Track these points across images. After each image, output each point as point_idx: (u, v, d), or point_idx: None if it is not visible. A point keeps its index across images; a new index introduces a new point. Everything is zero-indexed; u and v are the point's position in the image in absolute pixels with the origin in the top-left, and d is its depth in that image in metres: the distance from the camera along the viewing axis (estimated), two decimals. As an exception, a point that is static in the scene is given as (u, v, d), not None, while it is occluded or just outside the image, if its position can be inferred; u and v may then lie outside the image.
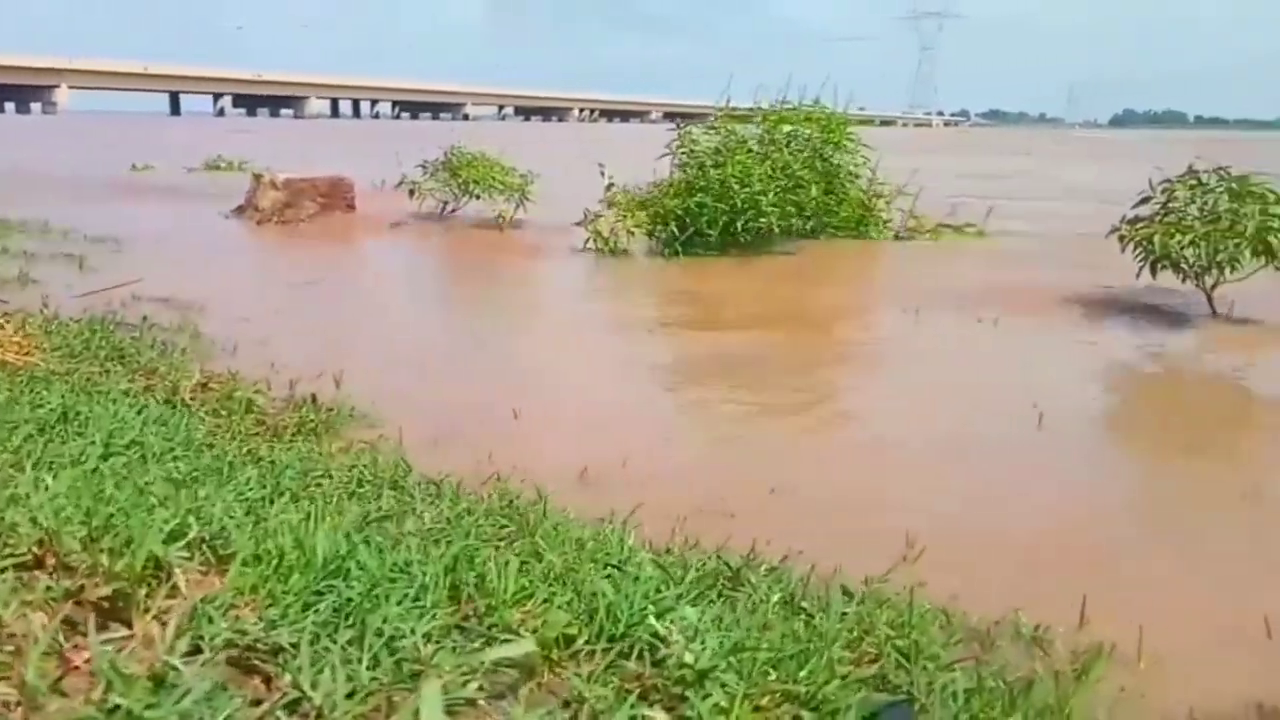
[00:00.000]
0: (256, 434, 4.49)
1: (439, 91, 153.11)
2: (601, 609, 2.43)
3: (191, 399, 4.76)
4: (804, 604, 2.95)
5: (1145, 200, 8.86)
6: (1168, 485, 5.20)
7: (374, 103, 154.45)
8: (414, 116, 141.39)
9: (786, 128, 13.46)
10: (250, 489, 3.22)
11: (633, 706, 1.95)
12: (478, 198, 15.19)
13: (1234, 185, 8.54)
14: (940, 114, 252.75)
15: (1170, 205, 8.69)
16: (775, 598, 2.97)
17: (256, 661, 1.96)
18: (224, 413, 4.68)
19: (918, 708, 2.29)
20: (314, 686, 1.85)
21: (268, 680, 1.96)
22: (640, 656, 2.27)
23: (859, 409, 6.53)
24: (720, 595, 2.98)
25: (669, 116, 17.80)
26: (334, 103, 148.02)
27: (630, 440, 5.13)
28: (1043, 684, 2.51)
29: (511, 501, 3.91)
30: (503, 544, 3.20)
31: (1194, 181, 8.76)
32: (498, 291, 10.51)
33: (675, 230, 12.66)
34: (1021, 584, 3.44)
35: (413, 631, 2.16)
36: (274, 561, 2.33)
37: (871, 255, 13.09)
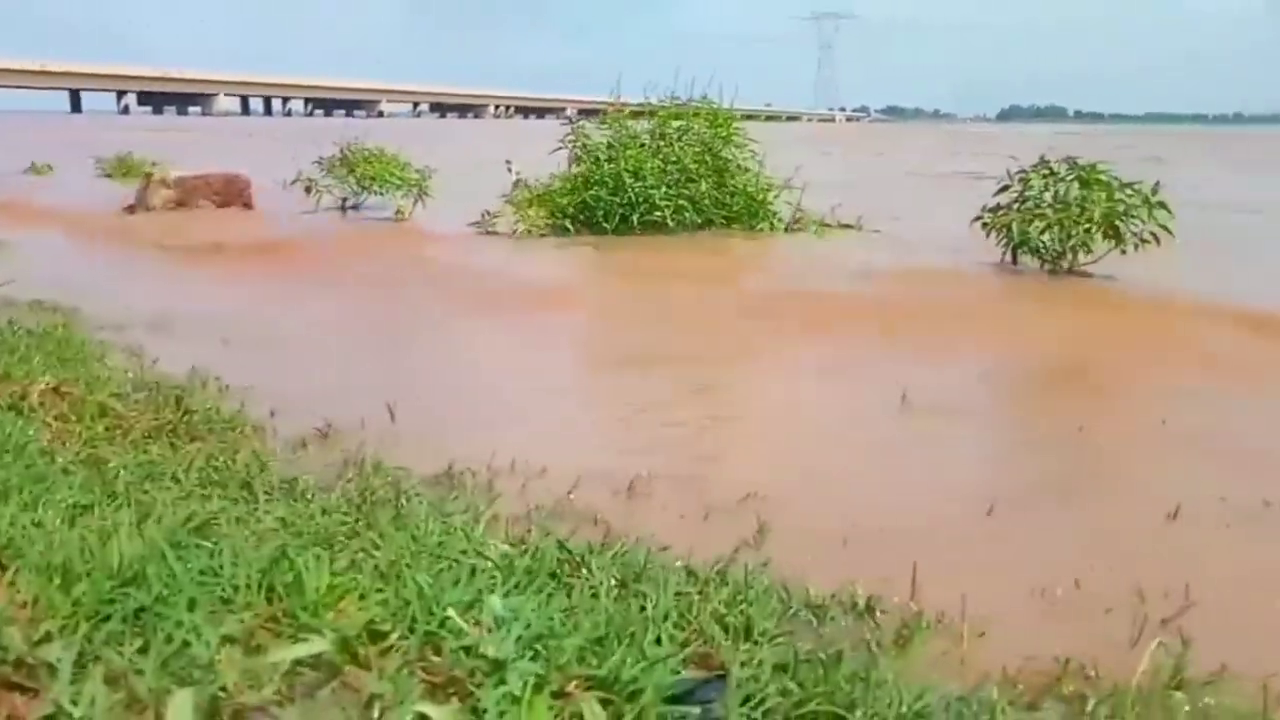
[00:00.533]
0: (107, 439, 4.35)
1: (352, 89, 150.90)
2: (415, 604, 2.40)
3: (40, 404, 4.60)
4: (641, 587, 2.94)
5: (1004, 189, 9.24)
6: (1009, 457, 5.38)
7: (285, 100, 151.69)
8: (327, 114, 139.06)
9: (677, 122, 13.54)
10: (74, 495, 3.12)
11: (419, 701, 1.92)
12: (379, 194, 15.01)
13: (1083, 173, 8.99)
14: (843, 110, 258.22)
15: (1026, 194, 9.10)
16: (611, 582, 2.97)
17: (18, 680, 1.90)
18: (73, 418, 4.53)
19: (735, 683, 2.29)
20: (74, 702, 1.79)
21: (37, 693, 1.90)
22: (454, 651, 2.24)
23: (727, 384, 6.63)
24: (559, 583, 2.96)
25: (584, 113, 17.96)
26: (244, 100, 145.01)
27: (512, 433, 5.09)
28: (855, 653, 2.54)
29: (365, 498, 3.85)
30: (341, 542, 3.14)
31: (1046, 171, 9.17)
32: (385, 288, 10.35)
33: (570, 226, 12.75)
34: (863, 559, 3.48)
35: (202, 636, 2.10)
36: (59, 572, 2.26)
37: (759, 244, 13.20)
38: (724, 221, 13.23)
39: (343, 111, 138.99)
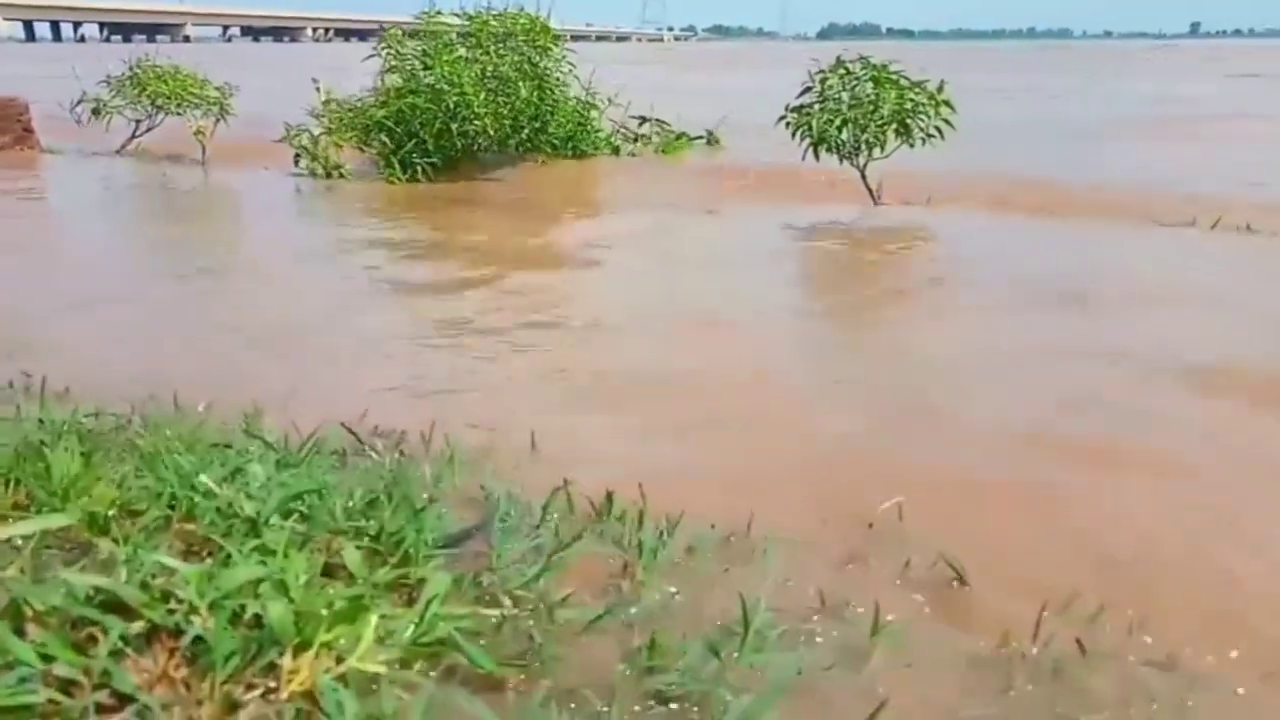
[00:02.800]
0: None
1: (152, 11, 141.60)
2: (173, 480, 2.33)
3: None
4: (423, 465, 2.93)
5: (807, 90, 9.47)
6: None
7: (77, 25, 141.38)
8: (126, 39, 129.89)
9: (493, 26, 13.19)
10: None
11: (154, 567, 1.86)
12: (176, 114, 14.16)
13: (876, 73, 9.31)
14: (670, 29, 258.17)
15: (826, 94, 9.37)
16: (394, 458, 2.95)
17: None
18: None
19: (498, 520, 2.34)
20: None
21: None
22: (213, 523, 2.19)
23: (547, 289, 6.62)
24: (340, 461, 2.92)
25: (411, 36, 17.15)
26: (28, 25, 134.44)
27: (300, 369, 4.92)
28: (619, 500, 2.59)
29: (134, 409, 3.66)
30: (105, 440, 2.99)
31: (843, 70, 9.43)
32: (166, 216, 9.82)
33: (387, 141, 12.27)
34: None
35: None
36: None
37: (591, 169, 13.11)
38: (550, 148, 12.99)
39: (144, 37, 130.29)
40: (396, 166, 11.97)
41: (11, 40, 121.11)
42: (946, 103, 9.06)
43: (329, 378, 4.37)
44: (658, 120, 14.13)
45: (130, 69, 13.94)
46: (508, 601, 2.13)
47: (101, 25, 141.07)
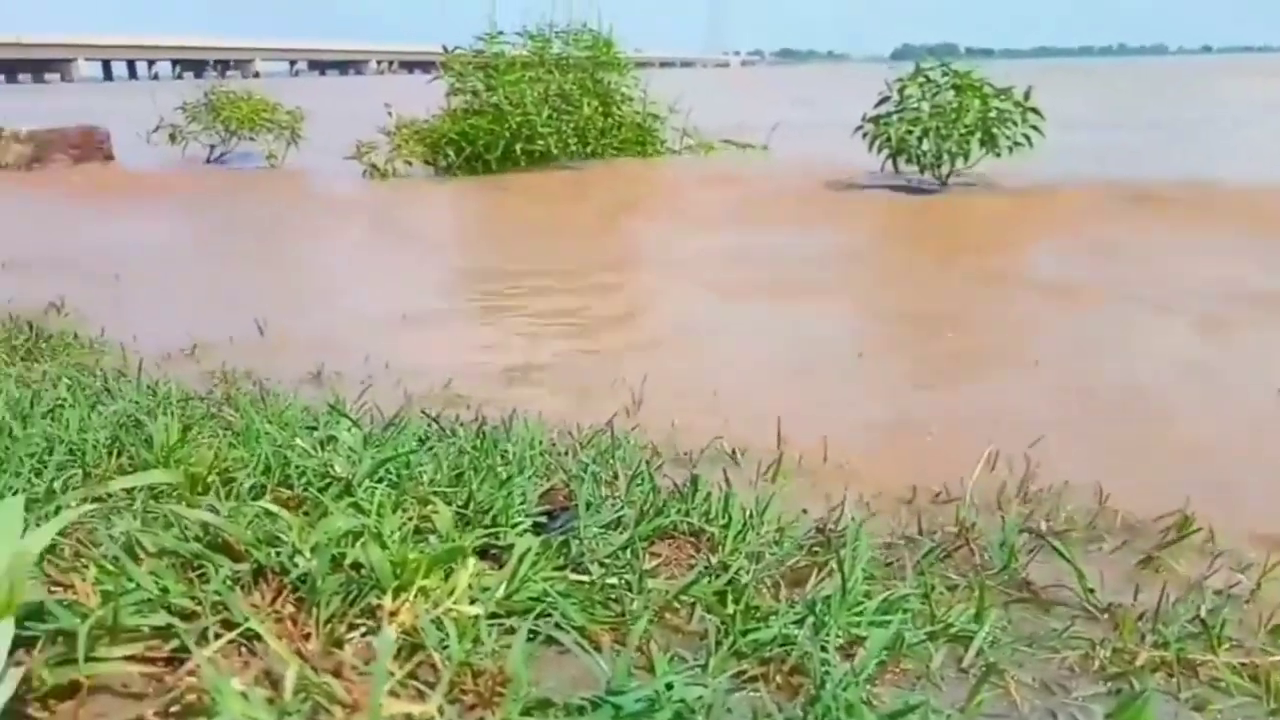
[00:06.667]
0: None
1: (223, 48, 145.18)
2: (266, 450, 2.37)
3: None
4: (507, 445, 2.94)
5: (885, 100, 9.40)
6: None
7: (151, 63, 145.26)
8: (198, 75, 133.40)
9: (556, 49, 13.37)
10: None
11: (259, 513, 1.89)
12: (249, 139, 14.54)
13: (958, 80, 9.20)
14: (737, 54, 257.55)
15: (904, 103, 9.28)
16: (476, 440, 2.97)
17: None
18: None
19: (585, 505, 2.33)
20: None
21: None
22: (308, 485, 2.22)
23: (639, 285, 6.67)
24: (423, 445, 2.94)
25: (479, 68, 17.20)
26: (106, 65, 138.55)
27: (382, 341, 5.03)
28: (705, 481, 2.58)
29: (229, 395, 3.77)
30: (199, 420, 3.06)
31: (923, 79, 9.35)
32: (265, 223, 10.08)
33: (452, 154, 12.46)
34: (739, 417, 3.55)
35: (43, 476, 2.05)
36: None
37: (650, 166, 13.20)
38: (614, 151, 13.14)
39: (215, 73, 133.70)
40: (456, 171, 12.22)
41: (91, 79, 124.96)
42: (1035, 109, 8.91)
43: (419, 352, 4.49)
44: (695, 136, 14.22)
45: (206, 95, 14.36)
46: (596, 568, 2.13)
47: (174, 63, 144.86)
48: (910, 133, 9.16)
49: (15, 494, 2.04)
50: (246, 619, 1.44)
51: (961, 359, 4.83)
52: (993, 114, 9.08)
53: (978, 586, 2.10)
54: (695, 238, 7.88)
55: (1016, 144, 9.05)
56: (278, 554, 1.65)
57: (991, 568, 2.34)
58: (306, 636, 1.51)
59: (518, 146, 12.28)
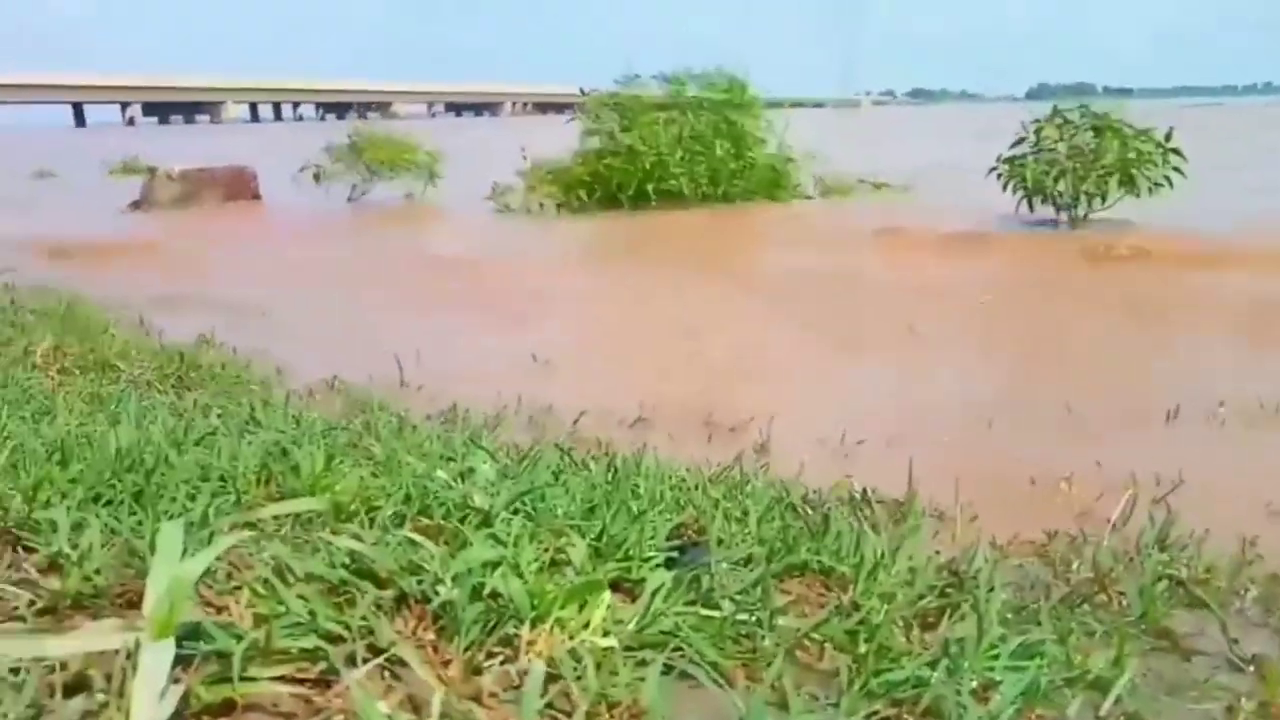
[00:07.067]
0: (111, 383, 4.43)
1: (364, 91, 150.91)
2: (408, 480, 2.45)
3: (43, 361, 4.68)
4: (638, 480, 2.97)
5: (1020, 141, 9.25)
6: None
7: (296, 105, 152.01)
8: (340, 117, 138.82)
9: (690, 92, 13.50)
10: (76, 419, 3.17)
11: (403, 541, 1.95)
12: (389, 178, 15.07)
13: (1097, 121, 8.99)
14: (868, 94, 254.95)
15: (1041, 144, 9.11)
16: (608, 475, 3.00)
17: (20, 533, 1.95)
18: (76, 372, 4.61)
19: (716, 541, 2.34)
20: (74, 546, 1.84)
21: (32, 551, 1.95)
22: (448, 515, 2.28)
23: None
24: (556, 479, 3.00)
25: (612, 108, 17.72)
26: (253, 107, 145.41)
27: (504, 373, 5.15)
28: (841, 520, 2.56)
29: (369, 426, 3.90)
30: (342, 449, 3.18)
31: (1060, 120, 9.17)
32: (403, 261, 10.42)
33: (585, 196, 12.70)
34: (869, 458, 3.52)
35: (197, 501, 2.16)
36: (56, 454, 2.32)
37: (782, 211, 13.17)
38: (746, 195, 13.16)
39: (356, 115, 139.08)
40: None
41: (239, 120, 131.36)
42: (1176, 150, 8.66)
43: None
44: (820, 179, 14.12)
45: (349, 137, 14.98)
46: (727, 604, 2.13)
47: (317, 105, 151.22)
48: (1046, 173, 8.97)
49: (172, 519, 2.16)
50: (392, 644, 1.48)
51: (1098, 407, 4.69)
52: (1132, 155, 8.83)
53: (1117, 633, 2.02)
54: (827, 281, 7.84)
55: (1156, 185, 8.76)
56: (419, 582, 1.70)
57: (1130, 615, 2.26)
58: (446, 663, 1.55)
59: (649, 187, 12.44)
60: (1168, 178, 8.71)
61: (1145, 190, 8.84)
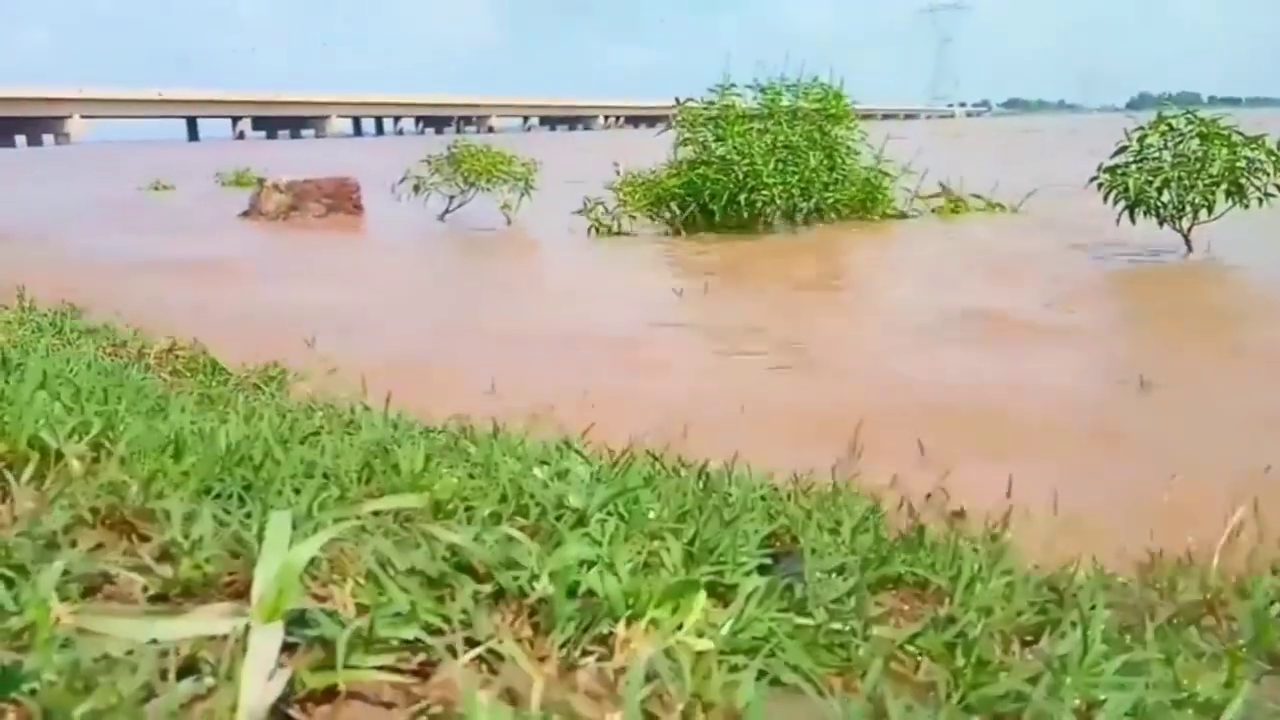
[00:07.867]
0: (221, 383, 4.58)
1: (461, 105, 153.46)
2: (504, 481, 2.48)
3: (156, 362, 4.87)
4: (730, 487, 2.97)
5: (1122, 149, 8.94)
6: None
7: (397, 119, 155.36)
8: (438, 131, 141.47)
9: (785, 101, 13.44)
10: (188, 416, 3.29)
11: (500, 538, 1.98)
12: (486, 189, 15.29)
13: (1203, 128, 8.65)
14: (962, 105, 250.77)
15: (1145, 152, 8.80)
16: (700, 483, 3.01)
17: (136, 522, 2.03)
18: (187, 373, 4.78)
19: (809, 550, 2.32)
20: (185, 536, 1.91)
21: (146, 539, 2.03)
22: (543, 514, 2.31)
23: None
24: (648, 484, 3.01)
25: (707, 122, 17.69)
26: (356, 121, 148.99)
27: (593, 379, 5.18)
28: (930, 531, 2.52)
29: (466, 431, 3.96)
30: (440, 451, 3.24)
31: (1165, 127, 8.85)
32: (492, 270, 10.58)
33: (676, 209, 12.70)
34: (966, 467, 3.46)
35: (302, 495, 2.22)
36: (170, 447, 2.40)
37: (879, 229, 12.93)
38: (838, 209, 13.02)
39: (453, 128, 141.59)
40: (681, 229, 12.34)
41: (342, 134, 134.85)
42: (1291, 158, 8.27)
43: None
44: (941, 188, 13.89)
45: (449, 149, 15.27)
46: (821, 613, 2.11)
47: (417, 119, 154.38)
48: (1150, 183, 8.63)
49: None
50: (492, 636, 1.51)
51: (1205, 423, 4.53)
52: (1241, 163, 8.45)
53: (1228, 655, 1.96)
54: (932, 298, 7.70)
55: (1268, 195, 8.40)
56: (516, 578, 1.72)
57: (1241, 636, 2.18)
58: (542, 659, 1.57)
59: (741, 197, 12.39)
60: (1278, 187, 8.33)
61: (1255, 201, 8.47)
